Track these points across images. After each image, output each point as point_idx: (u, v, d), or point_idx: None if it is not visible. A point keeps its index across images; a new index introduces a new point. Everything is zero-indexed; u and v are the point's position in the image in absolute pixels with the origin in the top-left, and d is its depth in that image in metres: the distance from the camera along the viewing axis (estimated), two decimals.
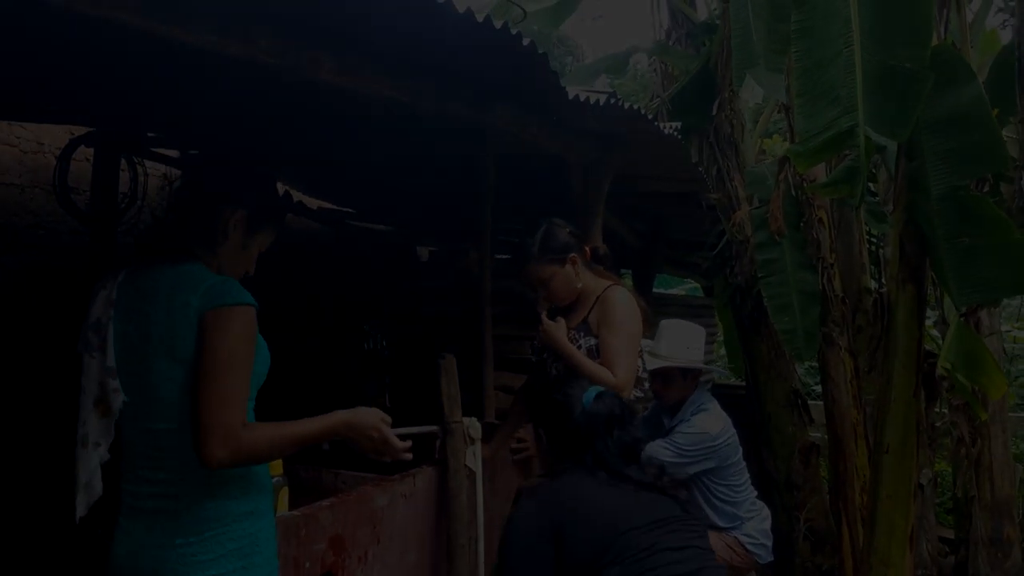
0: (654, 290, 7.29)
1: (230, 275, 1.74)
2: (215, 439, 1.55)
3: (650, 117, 3.38)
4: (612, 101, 2.86)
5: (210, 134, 4.16)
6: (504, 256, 5.09)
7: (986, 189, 3.46)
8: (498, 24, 2.05)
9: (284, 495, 2.38)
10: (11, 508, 3.70)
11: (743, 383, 5.42)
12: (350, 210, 6.21)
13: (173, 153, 4.68)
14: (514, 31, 2.14)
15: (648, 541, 1.98)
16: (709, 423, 3.31)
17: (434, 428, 2.88)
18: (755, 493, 3.51)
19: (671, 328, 3.47)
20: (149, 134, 4.21)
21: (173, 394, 1.63)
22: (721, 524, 3.32)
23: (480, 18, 2.00)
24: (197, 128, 4.00)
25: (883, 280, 5.09)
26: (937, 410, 4.76)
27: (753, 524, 3.39)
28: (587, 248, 2.90)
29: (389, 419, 1.87)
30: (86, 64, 2.77)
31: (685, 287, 11.11)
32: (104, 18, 1.72)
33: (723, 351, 7.08)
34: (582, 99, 2.70)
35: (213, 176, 1.82)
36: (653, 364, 3.27)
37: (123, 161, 4.16)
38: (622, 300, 2.77)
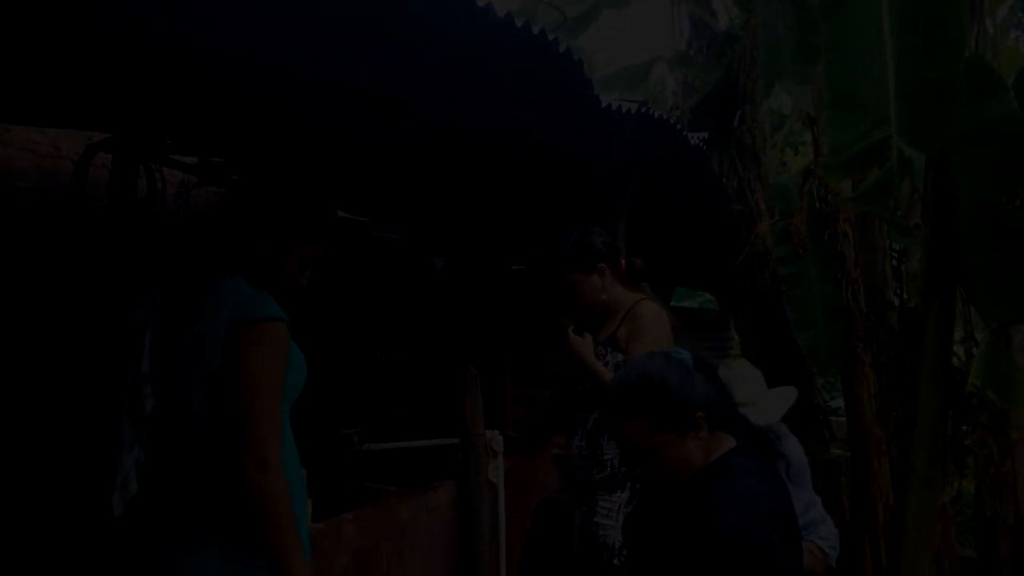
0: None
1: (271, 288, 1.72)
2: (249, 454, 1.53)
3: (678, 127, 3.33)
4: (643, 111, 2.81)
5: (227, 141, 4.14)
6: (521, 266, 5.03)
7: (1018, 203, 3.40)
8: (536, 29, 2.01)
9: (307, 507, 2.34)
10: (56, 506, 3.67)
11: None
12: (364, 219, 6.16)
13: (191, 160, 4.66)
14: (551, 36, 2.10)
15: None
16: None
17: (455, 440, 2.83)
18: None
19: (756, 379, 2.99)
20: (167, 141, 4.18)
21: (202, 404, 1.61)
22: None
23: (518, 22, 1.96)
24: (216, 135, 3.97)
25: (905, 295, 5.02)
26: (964, 427, 4.68)
27: (827, 526, 3.19)
28: (622, 261, 2.82)
29: None
30: (105, 68, 2.74)
31: (698, 300, 11.02)
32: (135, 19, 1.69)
33: None
34: (614, 108, 2.65)
35: (251, 189, 1.81)
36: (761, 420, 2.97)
37: (140, 168, 4.13)
38: (652, 315, 2.68)
